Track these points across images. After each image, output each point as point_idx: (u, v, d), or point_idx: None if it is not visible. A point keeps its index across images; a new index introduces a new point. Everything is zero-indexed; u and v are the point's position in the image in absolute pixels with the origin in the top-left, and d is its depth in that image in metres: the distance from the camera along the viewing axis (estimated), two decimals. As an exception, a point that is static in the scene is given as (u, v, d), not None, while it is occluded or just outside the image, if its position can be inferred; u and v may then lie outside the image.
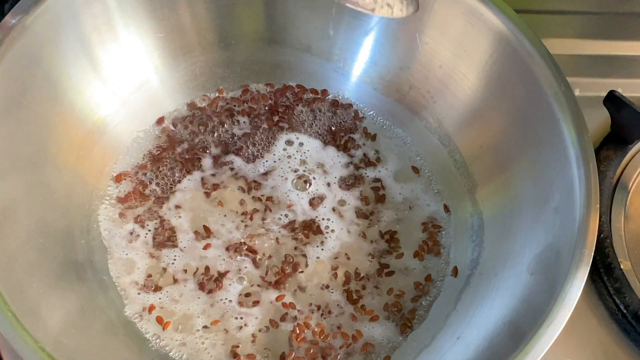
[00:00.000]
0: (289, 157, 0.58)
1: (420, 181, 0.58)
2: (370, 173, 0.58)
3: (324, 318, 0.51)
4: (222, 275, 0.52)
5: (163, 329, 0.49)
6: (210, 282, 0.51)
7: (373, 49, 0.59)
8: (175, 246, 0.53)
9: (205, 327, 0.50)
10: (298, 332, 0.50)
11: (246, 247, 0.53)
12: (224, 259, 0.53)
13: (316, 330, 0.50)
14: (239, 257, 0.53)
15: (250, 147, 0.58)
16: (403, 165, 0.59)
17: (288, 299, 0.51)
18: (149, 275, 0.51)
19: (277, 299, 0.51)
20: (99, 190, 0.54)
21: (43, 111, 0.48)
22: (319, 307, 0.51)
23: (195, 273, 0.52)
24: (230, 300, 0.51)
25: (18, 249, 0.43)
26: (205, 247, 0.53)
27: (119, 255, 0.52)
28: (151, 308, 0.50)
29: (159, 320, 0.49)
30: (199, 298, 0.51)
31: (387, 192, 0.57)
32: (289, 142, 0.59)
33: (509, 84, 0.52)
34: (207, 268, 0.52)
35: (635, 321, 0.50)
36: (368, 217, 0.56)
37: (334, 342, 0.50)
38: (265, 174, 0.57)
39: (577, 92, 0.50)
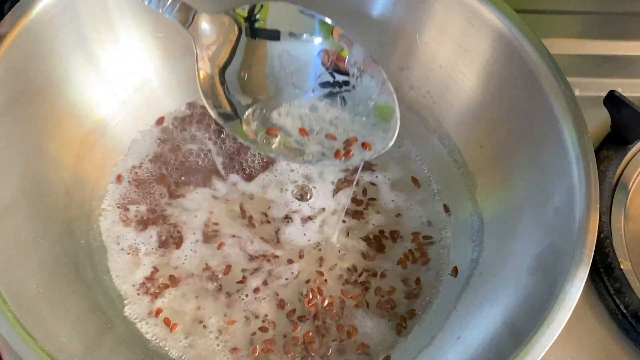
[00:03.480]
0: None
1: (419, 181, 0.58)
2: (369, 174, 0.58)
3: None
4: (222, 274, 0.52)
5: (170, 330, 0.49)
6: (209, 282, 0.51)
7: (373, 49, 0.59)
8: (174, 247, 0.53)
9: (205, 327, 0.50)
10: (311, 296, 0.51)
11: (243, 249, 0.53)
12: (224, 260, 0.53)
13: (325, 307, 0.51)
14: (237, 257, 0.53)
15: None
16: (403, 165, 0.59)
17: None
18: (148, 276, 0.51)
19: (280, 301, 0.51)
20: (99, 190, 0.54)
21: (43, 111, 0.48)
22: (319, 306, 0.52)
23: (194, 274, 0.52)
24: (233, 300, 0.51)
25: (18, 248, 0.43)
26: (220, 247, 0.53)
27: (119, 255, 0.52)
28: (151, 309, 0.50)
29: (167, 322, 0.50)
30: (197, 298, 0.51)
31: (385, 193, 0.57)
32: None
33: (509, 84, 0.52)
34: (206, 268, 0.52)
35: (636, 321, 0.50)
36: (364, 218, 0.56)
37: (328, 337, 0.50)
38: (266, 174, 0.57)
39: (577, 92, 0.50)
